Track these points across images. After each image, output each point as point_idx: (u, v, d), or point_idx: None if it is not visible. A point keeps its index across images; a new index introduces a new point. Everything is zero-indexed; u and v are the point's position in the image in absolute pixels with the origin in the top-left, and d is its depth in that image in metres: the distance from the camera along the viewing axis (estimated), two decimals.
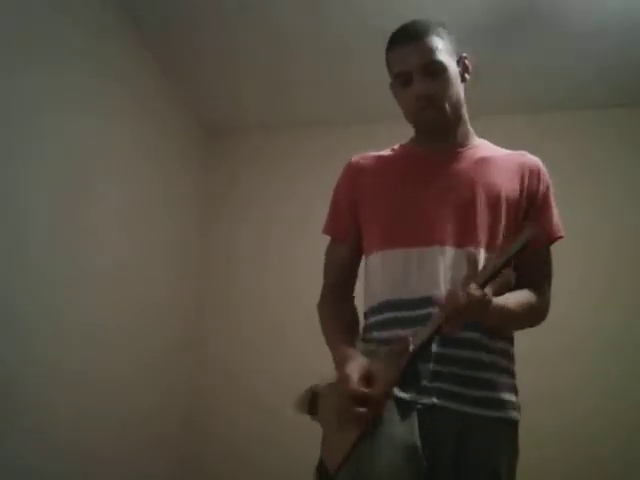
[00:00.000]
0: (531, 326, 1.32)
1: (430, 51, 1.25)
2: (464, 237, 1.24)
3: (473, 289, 1.05)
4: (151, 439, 2.79)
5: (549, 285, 1.34)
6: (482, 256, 1.21)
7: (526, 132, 2.99)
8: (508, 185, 1.29)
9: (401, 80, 1.29)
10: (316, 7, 2.52)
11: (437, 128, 1.31)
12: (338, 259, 1.42)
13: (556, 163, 3.04)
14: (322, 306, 1.42)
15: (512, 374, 1.28)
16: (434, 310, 1.16)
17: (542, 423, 2.73)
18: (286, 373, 2.99)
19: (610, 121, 3.10)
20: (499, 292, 1.11)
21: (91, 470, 2.31)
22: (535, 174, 1.33)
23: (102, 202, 2.44)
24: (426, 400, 1.16)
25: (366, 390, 1.13)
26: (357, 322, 1.39)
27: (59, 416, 2.14)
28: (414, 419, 1.15)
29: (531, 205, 1.30)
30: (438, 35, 1.28)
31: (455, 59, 1.31)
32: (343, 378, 1.17)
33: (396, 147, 1.43)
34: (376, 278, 1.32)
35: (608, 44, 2.63)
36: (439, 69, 1.25)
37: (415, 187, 1.31)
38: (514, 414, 1.22)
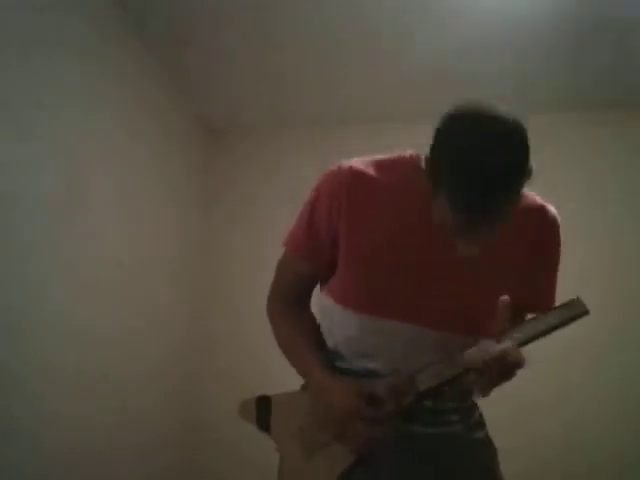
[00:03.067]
0: None
1: (513, 202, 0.92)
2: (467, 324, 1.06)
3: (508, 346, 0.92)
4: (151, 440, 2.79)
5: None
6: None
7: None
8: (516, 261, 1.09)
9: (455, 208, 0.92)
10: (316, 7, 2.51)
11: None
12: (298, 275, 1.21)
13: (556, 164, 3.05)
14: (278, 319, 1.25)
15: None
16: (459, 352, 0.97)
17: (541, 425, 2.73)
18: (286, 374, 2.98)
19: (610, 121, 3.09)
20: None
21: (91, 471, 2.31)
22: (549, 237, 1.13)
23: (102, 202, 2.44)
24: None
25: (375, 409, 0.99)
26: (318, 331, 1.23)
27: (59, 417, 2.14)
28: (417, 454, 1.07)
29: (537, 269, 1.12)
30: (521, 184, 0.92)
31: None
32: (354, 405, 1.00)
33: (405, 171, 1.08)
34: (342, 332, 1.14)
35: (608, 44, 2.63)
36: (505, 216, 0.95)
37: (417, 257, 1.05)
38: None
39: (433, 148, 0.94)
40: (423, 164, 0.99)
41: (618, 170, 3.07)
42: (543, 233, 1.11)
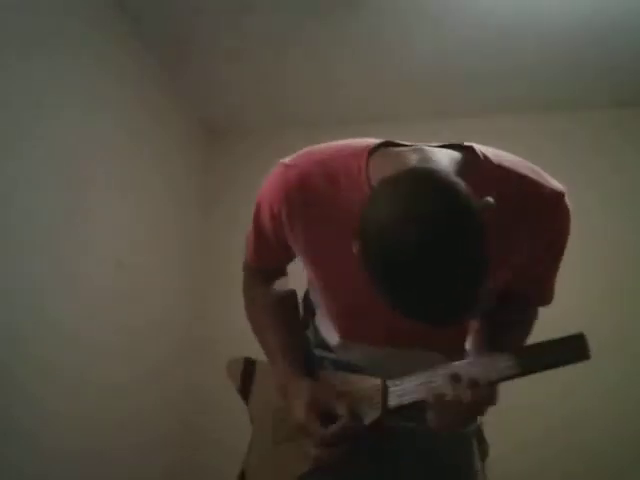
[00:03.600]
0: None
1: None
2: (444, 341, 0.99)
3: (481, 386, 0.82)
4: (151, 440, 2.79)
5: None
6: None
7: (526, 132, 2.99)
8: (511, 236, 0.92)
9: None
10: (316, 7, 2.51)
11: None
12: (264, 268, 1.16)
13: (555, 163, 3.04)
14: (251, 292, 1.16)
15: None
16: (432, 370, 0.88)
17: (539, 424, 2.73)
18: None
19: (610, 121, 3.09)
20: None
21: (91, 471, 2.30)
22: (550, 218, 0.95)
23: (101, 202, 2.44)
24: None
25: (328, 430, 0.91)
26: (297, 308, 1.17)
27: (59, 417, 2.14)
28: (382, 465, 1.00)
29: (538, 257, 0.98)
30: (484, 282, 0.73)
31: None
32: (305, 418, 0.93)
33: (356, 172, 0.91)
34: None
35: (608, 44, 2.62)
36: None
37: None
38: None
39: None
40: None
41: (618, 169, 3.07)
42: (548, 218, 0.94)
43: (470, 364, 0.87)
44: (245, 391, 1.06)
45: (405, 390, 0.90)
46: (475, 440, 1.11)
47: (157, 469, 2.83)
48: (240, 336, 3.23)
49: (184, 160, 3.26)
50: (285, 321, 1.11)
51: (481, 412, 0.88)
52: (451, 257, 0.67)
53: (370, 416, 0.91)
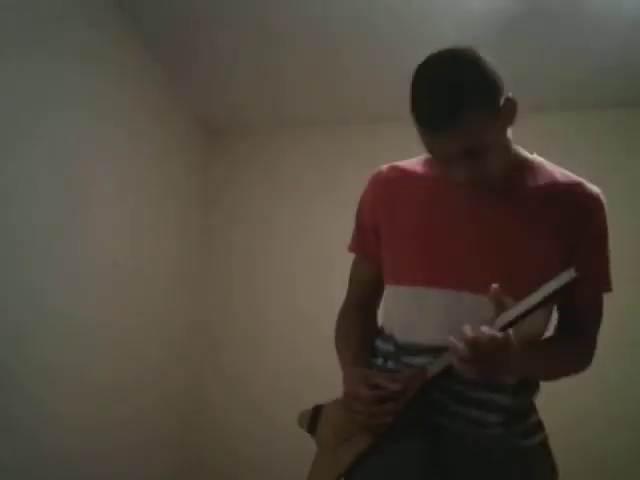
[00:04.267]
0: (568, 375, 1.20)
1: (468, 138, 1.00)
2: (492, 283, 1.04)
3: (485, 330, 0.91)
4: (151, 440, 2.79)
5: (596, 330, 1.19)
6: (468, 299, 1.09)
7: (526, 132, 2.98)
8: (551, 228, 1.10)
9: (433, 155, 1.09)
10: (316, 7, 2.51)
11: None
12: (363, 274, 1.29)
13: (555, 163, 3.05)
14: (340, 322, 1.31)
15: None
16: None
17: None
18: (286, 376, 2.99)
19: (610, 121, 3.09)
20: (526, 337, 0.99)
21: (91, 471, 2.31)
22: (586, 212, 1.12)
23: (101, 202, 2.44)
24: (438, 419, 1.08)
25: (380, 392, 1.03)
26: (369, 333, 1.27)
27: (59, 417, 2.14)
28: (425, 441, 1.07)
29: (577, 249, 1.11)
30: (474, 108, 0.99)
31: (498, 108, 1.05)
32: (356, 379, 1.08)
33: (427, 160, 1.22)
34: (395, 313, 1.20)
35: (608, 44, 2.62)
36: (481, 150, 1.03)
37: (449, 221, 1.13)
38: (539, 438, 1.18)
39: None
40: None
41: (618, 169, 3.07)
42: (585, 210, 1.12)
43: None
44: (312, 429, 1.18)
45: (439, 362, 1.03)
46: (539, 460, 1.13)
47: (157, 469, 2.83)
48: (240, 336, 3.25)
49: (184, 160, 3.26)
50: (359, 339, 1.25)
51: (493, 356, 0.92)
52: (444, 74, 1.02)
53: (415, 384, 1.04)
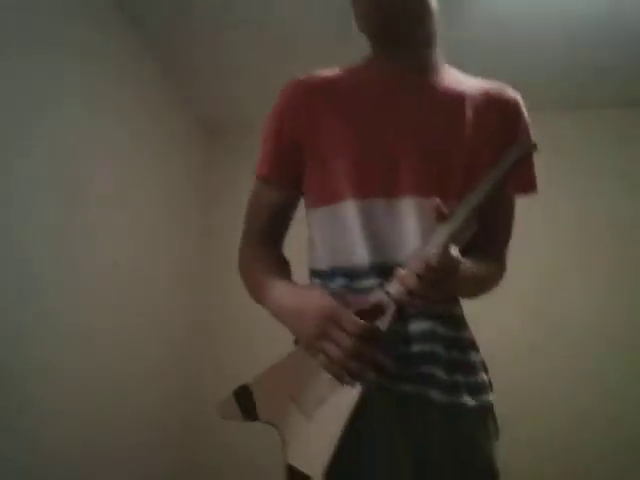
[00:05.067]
0: (484, 293, 1.14)
1: None
2: (435, 186, 1.02)
3: (434, 248, 0.85)
4: (151, 440, 2.79)
5: (507, 248, 1.17)
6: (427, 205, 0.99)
7: None
8: (484, 123, 1.08)
9: None
10: (316, 7, 2.51)
11: (401, 26, 1.08)
12: (270, 204, 1.14)
13: (555, 163, 3.05)
14: (245, 257, 1.16)
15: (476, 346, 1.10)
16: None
17: (540, 424, 2.72)
18: None
19: (610, 121, 3.09)
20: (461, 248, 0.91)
21: (91, 471, 2.30)
22: (514, 111, 1.12)
23: (101, 203, 2.44)
24: (409, 388, 0.97)
25: (369, 324, 0.86)
26: (289, 269, 1.14)
27: (59, 417, 2.14)
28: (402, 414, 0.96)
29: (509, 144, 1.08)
30: None
31: None
32: (336, 306, 0.88)
33: (349, 66, 1.17)
34: (335, 233, 1.06)
35: (608, 44, 2.63)
36: None
37: (381, 123, 1.05)
38: (492, 397, 1.09)
39: None
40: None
41: (618, 169, 3.07)
42: (511, 110, 1.12)
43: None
44: (252, 415, 0.98)
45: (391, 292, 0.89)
46: (490, 418, 1.08)
47: (157, 469, 2.83)
48: (240, 336, 3.25)
49: (184, 160, 3.26)
50: (286, 277, 1.11)
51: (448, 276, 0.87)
52: None
53: (385, 321, 0.88)
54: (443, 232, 0.86)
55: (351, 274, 1.02)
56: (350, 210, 1.03)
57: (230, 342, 3.24)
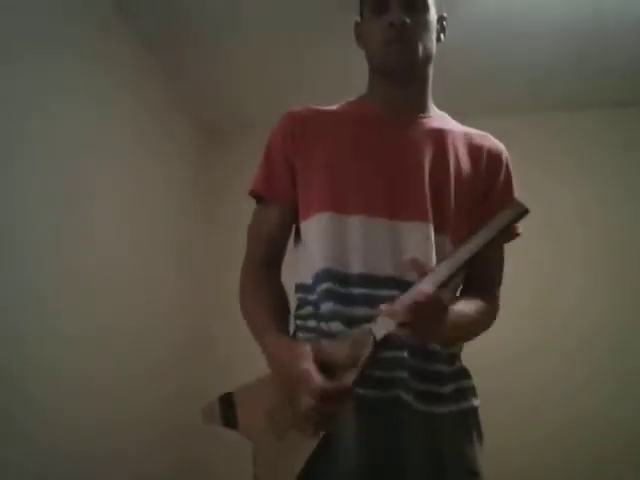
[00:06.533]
0: (477, 335, 1.17)
1: None
2: (413, 211, 1.09)
3: (425, 289, 0.88)
4: (151, 440, 2.79)
5: (499, 289, 1.22)
6: (432, 232, 1.08)
7: (526, 132, 2.99)
8: (462, 164, 1.15)
9: (374, 5, 1.15)
10: (316, 7, 2.52)
11: (403, 69, 1.15)
12: (270, 225, 1.21)
13: (555, 163, 3.05)
14: (246, 283, 1.22)
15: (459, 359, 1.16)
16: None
17: (541, 425, 2.73)
18: None
19: (610, 121, 3.09)
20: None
21: (91, 471, 2.30)
22: (496, 158, 1.19)
23: (101, 202, 2.44)
24: (388, 394, 1.02)
25: (334, 384, 0.90)
26: (288, 307, 1.20)
27: (59, 417, 2.13)
28: (377, 422, 1.01)
29: (490, 190, 1.17)
30: None
31: (437, 14, 1.20)
32: (302, 371, 0.91)
33: (343, 103, 1.27)
34: (319, 244, 1.13)
35: (608, 44, 2.63)
36: (422, 6, 1.13)
37: (369, 153, 1.14)
38: (476, 402, 1.13)
39: None
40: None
41: (619, 169, 3.07)
42: (489, 151, 1.20)
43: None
44: (232, 422, 1.02)
45: (382, 324, 0.93)
46: (473, 423, 1.11)
47: (157, 469, 2.83)
48: (240, 336, 3.24)
49: (184, 160, 3.26)
50: (279, 310, 1.16)
51: (438, 311, 0.91)
52: None
53: (365, 351, 0.93)
54: (428, 282, 0.89)
55: (339, 278, 1.09)
56: (331, 222, 1.11)
57: (230, 342, 3.24)
